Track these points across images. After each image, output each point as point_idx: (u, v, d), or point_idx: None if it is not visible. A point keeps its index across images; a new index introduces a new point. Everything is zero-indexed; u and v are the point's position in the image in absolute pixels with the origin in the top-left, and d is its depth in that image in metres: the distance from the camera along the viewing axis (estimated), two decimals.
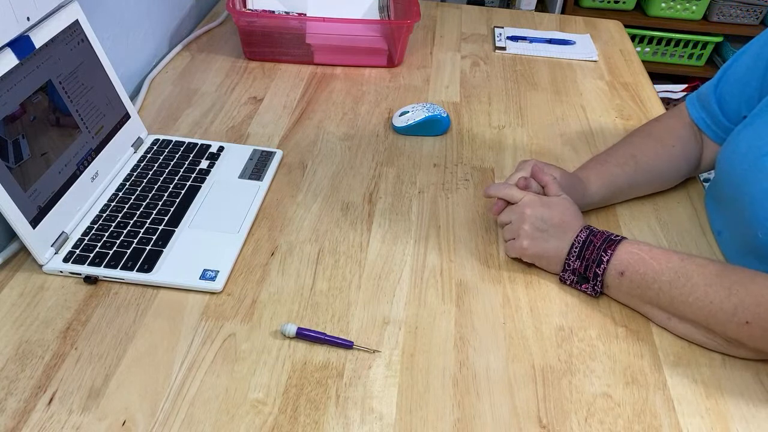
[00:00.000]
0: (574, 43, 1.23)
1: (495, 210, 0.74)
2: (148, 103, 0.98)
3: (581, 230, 0.68)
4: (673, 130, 0.82)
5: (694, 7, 1.96)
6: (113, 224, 0.73)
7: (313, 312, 0.65)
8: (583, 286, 0.68)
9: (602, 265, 0.65)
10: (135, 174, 0.81)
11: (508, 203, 0.73)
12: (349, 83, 1.07)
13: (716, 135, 0.81)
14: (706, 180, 1.03)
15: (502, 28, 1.28)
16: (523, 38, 1.24)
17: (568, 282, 0.69)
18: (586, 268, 0.66)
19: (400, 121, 0.94)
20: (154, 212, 0.75)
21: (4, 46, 0.64)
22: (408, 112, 0.94)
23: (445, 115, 0.94)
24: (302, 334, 0.62)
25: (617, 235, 0.67)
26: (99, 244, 0.70)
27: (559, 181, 0.74)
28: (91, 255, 0.68)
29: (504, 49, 1.20)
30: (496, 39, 1.23)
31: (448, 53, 1.18)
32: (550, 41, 1.23)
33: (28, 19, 0.67)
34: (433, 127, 0.93)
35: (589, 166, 0.80)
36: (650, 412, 0.58)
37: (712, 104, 0.81)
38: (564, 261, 0.68)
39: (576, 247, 0.67)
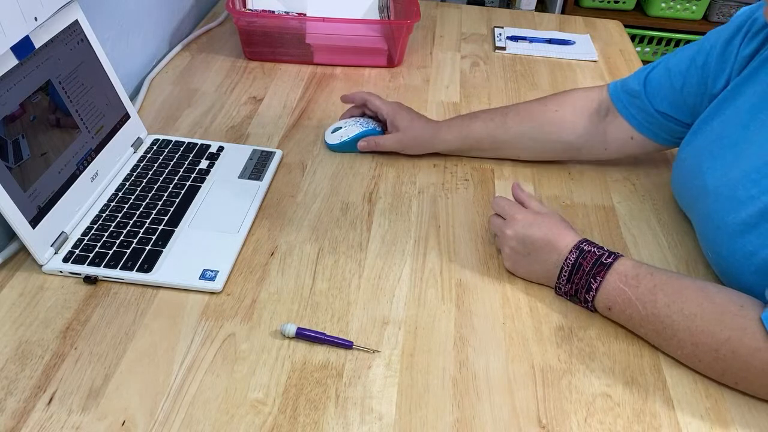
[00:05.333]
0: (573, 43, 1.23)
1: (489, 221, 0.74)
2: (148, 103, 0.98)
3: (571, 251, 0.64)
4: (574, 98, 0.84)
5: (694, 7, 1.96)
6: (113, 224, 0.73)
7: (312, 312, 0.65)
8: (577, 303, 0.67)
9: (591, 293, 0.63)
10: (135, 174, 0.81)
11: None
12: (349, 83, 1.07)
13: (628, 112, 0.80)
14: None
15: (502, 28, 1.28)
16: (523, 38, 1.24)
17: (563, 297, 0.68)
18: (576, 292, 0.65)
19: (333, 138, 0.89)
20: (154, 212, 0.75)
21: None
22: (341, 128, 0.89)
23: (379, 129, 0.89)
24: (302, 334, 0.62)
25: (609, 255, 0.63)
26: (99, 244, 0.70)
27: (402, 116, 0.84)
28: (91, 255, 0.68)
29: (504, 49, 1.20)
30: (496, 39, 1.23)
31: (448, 53, 1.18)
32: (550, 41, 1.23)
33: (35, 19, 0.67)
34: None
35: (455, 119, 0.86)
36: (650, 412, 0.58)
37: (635, 84, 0.79)
38: (555, 283, 0.67)
39: (565, 271, 0.65)
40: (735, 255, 0.63)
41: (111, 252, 0.69)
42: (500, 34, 1.26)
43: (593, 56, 1.19)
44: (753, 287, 0.62)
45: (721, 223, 0.65)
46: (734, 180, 0.64)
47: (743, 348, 0.55)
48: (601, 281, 0.62)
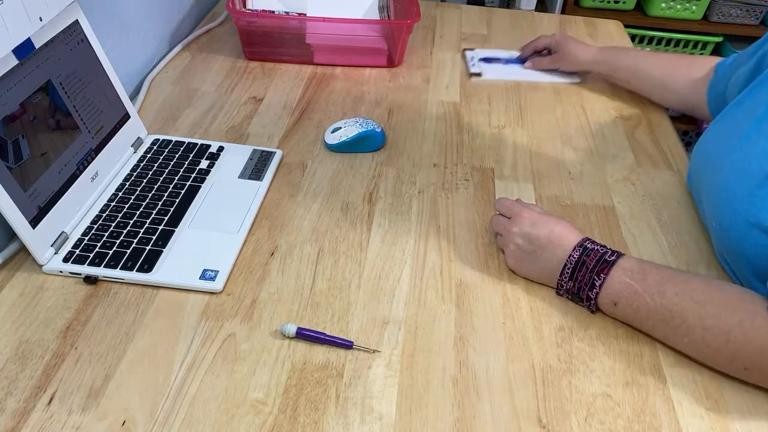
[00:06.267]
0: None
1: (492, 221, 0.74)
2: (148, 103, 0.98)
3: (574, 248, 0.65)
4: (702, 65, 0.93)
5: (694, 7, 1.96)
6: (113, 224, 0.73)
7: (312, 312, 0.65)
8: (579, 303, 0.67)
9: (594, 290, 0.63)
10: (135, 174, 0.81)
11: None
12: (349, 83, 1.07)
13: (709, 95, 0.89)
14: None
15: (473, 50, 1.18)
16: (497, 59, 1.15)
17: (564, 296, 0.68)
18: (579, 290, 0.65)
19: (332, 138, 0.88)
20: (154, 212, 0.75)
21: None
22: (340, 128, 0.89)
23: (379, 130, 0.90)
24: (302, 334, 0.62)
25: (612, 253, 0.64)
26: (99, 244, 0.70)
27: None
28: (91, 255, 0.68)
29: (480, 75, 1.10)
30: (470, 65, 1.12)
31: (448, 53, 1.18)
32: (525, 61, 1.14)
33: (40, 19, 0.67)
34: (367, 143, 0.89)
35: (610, 48, 1.06)
36: (650, 412, 0.58)
37: (719, 71, 0.88)
38: (557, 281, 0.67)
39: (568, 268, 0.65)
40: (737, 224, 0.63)
41: (111, 252, 0.69)
42: (472, 57, 1.15)
43: (575, 78, 1.10)
44: (751, 260, 0.62)
45: (730, 194, 0.65)
46: (751, 153, 0.64)
47: (755, 330, 0.55)
48: (605, 278, 0.63)
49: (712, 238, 0.73)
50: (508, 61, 1.15)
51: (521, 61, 1.15)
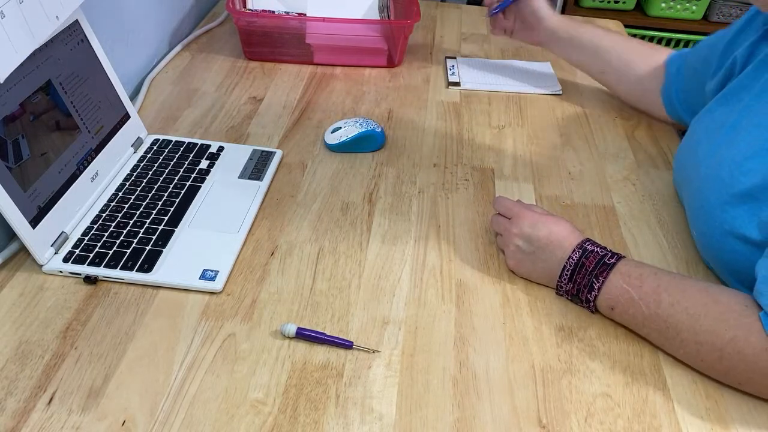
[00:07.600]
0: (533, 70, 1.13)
1: (491, 220, 0.74)
2: (148, 103, 0.98)
3: (574, 250, 0.65)
4: (657, 57, 0.92)
5: (694, 7, 1.96)
6: (113, 224, 0.73)
7: (312, 312, 0.65)
8: (578, 303, 0.67)
9: (593, 293, 0.63)
10: (135, 174, 0.81)
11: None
12: (349, 83, 1.07)
13: (664, 94, 0.90)
14: None
15: (455, 58, 1.15)
16: (477, 67, 1.13)
17: (564, 297, 0.68)
18: (578, 291, 0.65)
19: (332, 138, 0.89)
20: (154, 212, 0.75)
21: None
22: (340, 128, 0.89)
23: (379, 130, 0.90)
24: (302, 334, 0.62)
25: (612, 255, 0.64)
26: (99, 244, 0.70)
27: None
28: (91, 255, 0.68)
29: (458, 84, 1.07)
30: (449, 73, 1.10)
31: (448, 53, 1.18)
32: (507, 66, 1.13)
33: (57, 18, 0.67)
34: (367, 143, 0.89)
35: (572, 19, 0.99)
36: (650, 412, 0.58)
37: (672, 69, 0.89)
38: (557, 282, 0.66)
39: (567, 270, 0.65)
40: (714, 233, 0.64)
41: (111, 252, 0.69)
42: (453, 66, 1.12)
43: (557, 89, 1.07)
44: (730, 266, 0.63)
45: (705, 202, 0.66)
46: (722, 162, 0.66)
47: (749, 348, 0.55)
48: (603, 281, 0.62)
49: (695, 242, 0.74)
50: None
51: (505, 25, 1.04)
